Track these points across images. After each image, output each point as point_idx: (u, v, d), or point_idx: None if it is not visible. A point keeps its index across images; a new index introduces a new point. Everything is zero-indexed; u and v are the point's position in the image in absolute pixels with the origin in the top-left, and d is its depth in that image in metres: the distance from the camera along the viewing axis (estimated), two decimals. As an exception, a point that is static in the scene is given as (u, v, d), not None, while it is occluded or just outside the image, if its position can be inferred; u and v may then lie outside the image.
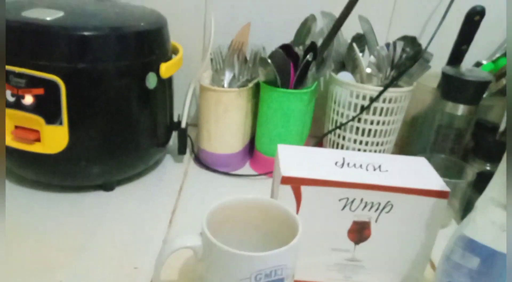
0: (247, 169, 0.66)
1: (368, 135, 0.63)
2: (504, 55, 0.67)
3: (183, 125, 0.62)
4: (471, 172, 0.54)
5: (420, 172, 0.43)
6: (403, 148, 0.71)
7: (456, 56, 0.60)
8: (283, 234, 0.38)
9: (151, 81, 0.53)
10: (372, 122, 0.62)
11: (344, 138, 0.65)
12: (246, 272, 0.32)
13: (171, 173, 0.63)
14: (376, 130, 0.63)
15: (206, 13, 0.70)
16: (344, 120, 0.63)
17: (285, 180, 0.40)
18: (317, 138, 0.68)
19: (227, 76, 0.65)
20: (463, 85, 0.55)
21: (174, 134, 0.64)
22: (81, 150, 0.52)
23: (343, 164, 0.43)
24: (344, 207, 0.41)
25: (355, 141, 0.64)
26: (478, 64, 0.67)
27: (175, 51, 0.62)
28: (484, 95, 0.62)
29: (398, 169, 0.43)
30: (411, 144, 0.68)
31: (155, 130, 0.58)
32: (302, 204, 0.41)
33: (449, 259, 0.36)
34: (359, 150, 0.64)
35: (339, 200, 0.41)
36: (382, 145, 0.64)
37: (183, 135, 0.62)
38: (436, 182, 0.41)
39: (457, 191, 0.55)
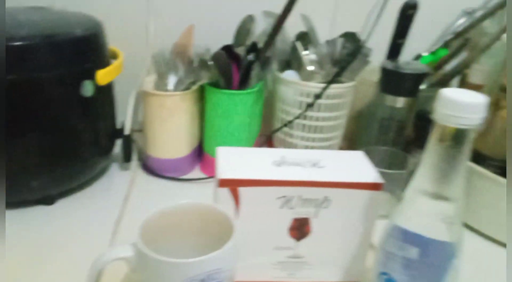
0: (197, 172, 0.65)
1: (315, 131, 0.64)
2: (444, 46, 0.69)
3: (127, 132, 0.61)
4: (412, 162, 0.56)
5: (356, 166, 0.44)
6: (351, 141, 0.72)
7: (394, 50, 0.61)
8: (223, 237, 0.37)
9: (87, 89, 0.52)
10: (317, 119, 0.63)
11: (292, 136, 0.65)
12: (179, 279, 0.32)
13: (117, 182, 0.61)
14: (322, 127, 0.63)
15: (149, 17, 0.69)
16: (291, 118, 0.64)
17: (222, 183, 0.39)
18: (271, 133, 0.68)
19: (172, 79, 0.64)
20: (400, 78, 0.57)
21: (120, 141, 0.62)
22: (17, 163, 0.50)
23: (281, 163, 0.43)
24: (283, 205, 0.41)
25: (302, 138, 0.65)
26: (418, 57, 0.69)
27: (115, 56, 0.60)
28: (424, 87, 0.64)
29: (335, 164, 0.43)
30: (359, 137, 0.69)
31: (97, 139, 0.57)
32: (241, 206, 0.40)
33: (383, 249, 0.37)
34: (307, 146, 0.65)
35: (278, 199, 0.41)
36: (329, 140, 0.65)
37: (127, 143, 0.61)
38: (371, 174, 0.42)
39: (399, 181, 0.56)
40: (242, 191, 0.40)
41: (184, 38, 0.65)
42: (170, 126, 0.60)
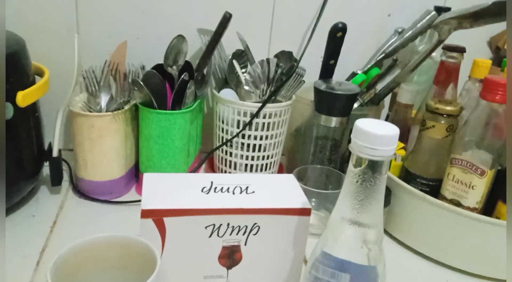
0: (132, 194, 0.63)
1: (254, 150, 0.64)
2: (375, 65, 0.72)
3: (55, 154, 0.58)
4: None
5: (286, 190, 0.44)
6: (290, 158, 0.73)
7: (327, 70, 0.62)
8: (146, 271, 0.36)
9: (5, 112, 0.49)
10: (256, 138, 0.63)
11: (231, 154, 0.65)
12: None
13: (45, 207, 0.58)
14: (260, 145, 0.63)
15: (79, 32, 0.66)
16: (229, 137, 0.63)
17: (146, 214, 0.38)
18: (209, 152, 0.67)
19: (104, 98, 0.61)
20: (333, 99, 0.58)
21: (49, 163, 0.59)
22: None
23: (209, 189, 0.42)
24: (212, 233, 0.40)
25: (242, 156, 0.64)
26: (353, 74, 0.71)
27: (41, 74, 0.57)
28: (357, 105, 0.66)
29: (264, 189, 0.43)
30: (296, 154, 0.70)
31: (20, 163, 0.54)
32: (167, 236, 0.39)
33: (310, 273, 0.37)
34: (246, 165, 0.65)
35: (206, 227, 0.40)
36: (268, 158, 0.65)
37: (55, 165, 0.58)
38: (300, 199, 0.42)
39: (335, 200, 0.57)
40: (168, 221, 0.39)
41: (117, 55, 0.63)
42: (101, 147, 0.58)
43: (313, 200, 0.58)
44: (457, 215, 0.50)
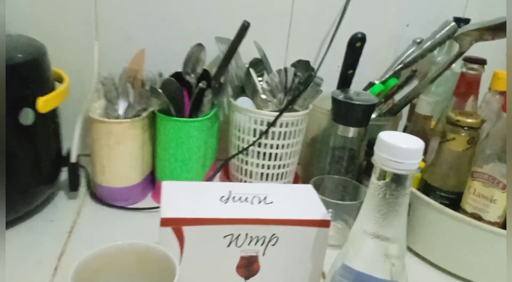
0: (148, 201, 0.63)
1: (269, 159, 0.63)
2: (394, 75, 0.71)
3: (73, 160, 0.58)
4: (363, 192, 0.56)
5: (305, 201, 0.43)
6: (306, 168, 0.72)
7: (345, 80, 0.62)
8: (164, 278, 0.36)
9: (26, 117, 0.49)
10: (272, 146, 0.62)
11: (247, 163, 0.65)
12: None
13: (63, 212, 0.58)
14: (276, 154, 0.63)
15: (98, 39, 0.67)
16: (245, 145, 0.63)
17: (165, 222, 0.38)
18: (225, 160, 0.67)
19: (122, 105, 0.62)
20: (351, 109, 0.57)
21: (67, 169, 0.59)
22: None
23: (228, 198, 0.42)
24: (230, 243, 0.40)
25: (257, 165, 0.64)
26: (371, 84, 0.71)
27: (61, 80, 0.58)
28: (375, 116, 0.66)
29: (283, 199, 0.43)
30: (313, 164, 0.69)
31: (38, 168, 0.54)
32: (186, 245, 0.39)
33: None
34: (262, 173, 0.64)
35: (224, 237, 0.39)
36: (284, 167, 0.65)
37: (73, 171, 0.58)
38: (319, 210, 0.42)
39: (352, 211, 0.57)
40: (187, 230, 0.38)
41: (135, 62, 0.63)
42: (118, 154, 0.58)
43: (330, 210, 0.58)
44: (479, 230, 0.49)
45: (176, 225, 0.38)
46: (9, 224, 0.53)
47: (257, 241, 0.40)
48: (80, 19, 0.66)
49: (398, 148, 0.30)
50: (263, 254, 0.41)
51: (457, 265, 0.52)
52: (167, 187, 0.43)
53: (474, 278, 0.51)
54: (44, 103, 0.50)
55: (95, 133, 0.58)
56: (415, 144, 0.30)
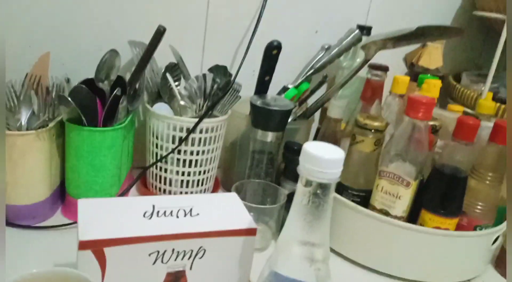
0: (58, 217, 0.59)
1: (190, 166, 0.62)
2: (305, 80, 0.74)
3: (-33, 178, 0.51)
4: (283, 194, 0.58)
5: (230, 210, 0.44)
6: (226, 172, 0.72)
7: (262, 86, 0.63)
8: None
9: None
10: (192, 153, 0.62)
11: (166, 170, 0.63)
12: None
13: (-44, 238, 0.51)
14: (197, 160, 0.62)
15: (-8, 41, 0.60)
16: (164, 153, 0.62)
17: (84, 245, 0.36)
18: (143, 170, 0.65)
19: (24, 114, 0.56)
20: (269, 114, 0.59)
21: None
22: None
23: (152, 214, 0.40)
24: (156, 260, 0.39)
25: (177, 173, 0.63)
26: (285, 89, 0.73)
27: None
28: (290, 119, 0.68)
29: (209, 210, 0.43)
30: (232, 168, 0.70)
31: None
32: (108, 267, 0.37)
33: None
34: (182, 180, 0.63)
35: (149, 255, 0.38)
36: (205, 173, 0.64)
37: (-32, 190, 0.52)
38: (245, 219, 0.42)
39: (273, 214, 0.58)
40: (108, 251, 0.36)
41: (39, 67, 0.58)
42: (23, 168, 0.53)
43: (251, 214, 0.59)
44: (387, 224, 0.54)
45: (96, 247, 0.36)
46: None
47: (184, 255, 0.40)
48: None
49: (322, 159, 0.32)
50: (190, 268, 0.40)
51: (369, 258, 0.57)
52: (83, 205, 0.40)
53: (385, 269, 0.56)
54: None
55: (-6, 147, 0.52)
56: (337, 154, 0.32)
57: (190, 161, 0.62)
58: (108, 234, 0.36)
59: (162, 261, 0.39)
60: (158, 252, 0.38)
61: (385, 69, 0.62)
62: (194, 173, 0.63)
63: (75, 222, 0.56)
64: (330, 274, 0.37)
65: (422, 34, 0.53)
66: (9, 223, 0.55)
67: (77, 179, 0.57)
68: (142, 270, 0.38)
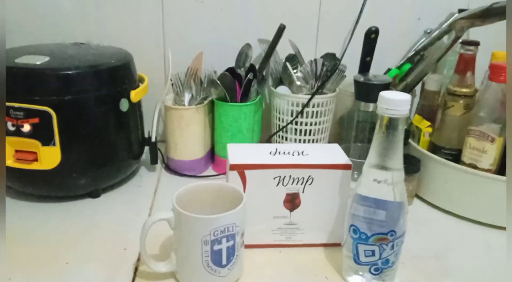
0: (210, 171, 0.80)
1: (305, 134, 0.78)
2: (408, 61, 0.84)
3: (153, 139, 0.75)
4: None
5: (332, 153, 0.58)
6: (336, 141, 0.86)
7: (364, 66, 0.76)
8: (235, 205, 0.51)
9: (124, 105, 0.67)
10: (306, 124, 0.77)
11: (286, 139, 0.80)
12: (206, 230, 0.46)
13: (147, 180, 0.76)
14: (310, 130, 0.78)
15: (165, 47, 0.85)
16: (284, 124, 0.79)
17: (232, 167, 0.54)
18: (269, 136, 0.83)
19: (187, 97, 0.79)
20: (369, 88, 0.71)
21: (147, 148, 0.77)
22: (71, 165, 0.64)
23: (275, 152, 0.57)
24: (278, 183, 0.55)
25: (295, 140, 0.79)
26: (389, 70, 0.84)
27: (142, 80, 0.76)
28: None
29: (316, 153, 0.58)
30: (341, 138, 0.84)
31: (130, 146, 0.72)
32: (247, 184, 0.55)
33: (349, 211, 0.51)
34: (299, 147, 0.79)
35: (274, 178, 0.55)
36: (317, 141, 0.79)
37: (153, 148, 0.76)
38: (343, 159, 0.56)
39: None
40: (248, 173, 0.54)
41: (195, 63, 0.80)
42: (187, 133, 0.75)
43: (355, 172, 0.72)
44: (474, 176, 0.62)
45: (240, 169, 0.54)
46: (110, 188, 0.71)
47: (298, 181, 0.55)
48: (151, 33, 0.84)
49: (392, 99, 0.44)
50: (303, 192, 0.56)
51: (460, 207, 0.65)
52: (231, 147, 0.59)
53: (472, 216, 0.64)
54: (135, 95, 0.68)
55: (169, 118, 0.75)
56: (404, 96, 0.45)
57: (305, 131, 0.78)
58: (248, 161, 0.54)
59: (283, 184, 0.55)
60: (280, 176, 0.55)
61: (475, 44, 0.69)
62: (309, 141, 0.79)
63: (221, 174, 0.77)
64: (405, 193, 0.49)
65: (499, 12, 0.59)
66: (177, 173, 0.77)
67: (222, 141, 0.77)
68: (270, 189, 0.55)
